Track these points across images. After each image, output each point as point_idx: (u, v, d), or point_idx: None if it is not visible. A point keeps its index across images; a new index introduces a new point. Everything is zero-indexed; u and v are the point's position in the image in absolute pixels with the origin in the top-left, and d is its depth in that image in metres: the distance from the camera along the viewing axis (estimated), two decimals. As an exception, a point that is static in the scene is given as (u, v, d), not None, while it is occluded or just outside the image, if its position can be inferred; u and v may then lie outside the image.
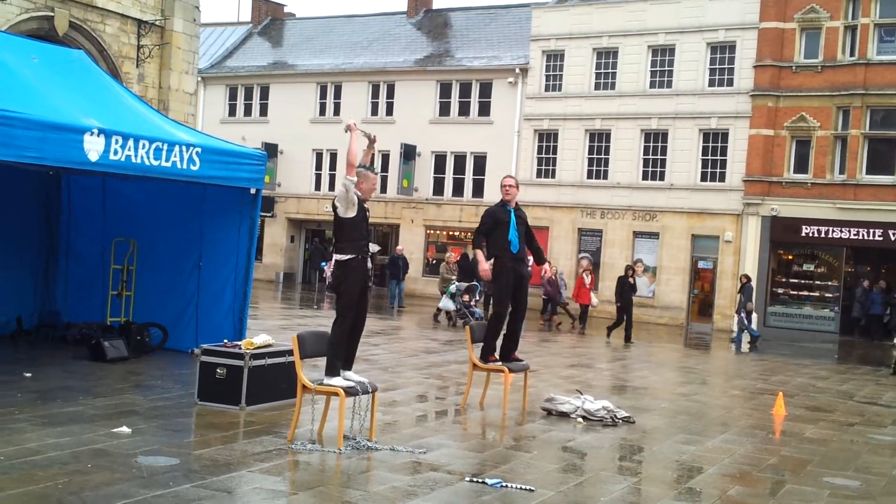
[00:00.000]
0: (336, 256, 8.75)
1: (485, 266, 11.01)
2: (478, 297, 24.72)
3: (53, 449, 7.51)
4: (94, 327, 13.39)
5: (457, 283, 24.51)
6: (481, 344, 11.05)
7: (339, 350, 8.68)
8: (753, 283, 26.39)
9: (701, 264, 32.08)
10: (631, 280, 23.70)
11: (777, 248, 31.17)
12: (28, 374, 10.87)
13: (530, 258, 11.44)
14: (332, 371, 8.61)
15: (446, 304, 24.38)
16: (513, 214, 10.88)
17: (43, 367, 11.52)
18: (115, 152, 10.41)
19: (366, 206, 8.93)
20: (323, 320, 21.21)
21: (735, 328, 25.96)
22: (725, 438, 10.32)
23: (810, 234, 30.05)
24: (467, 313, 23.64)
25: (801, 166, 30.36)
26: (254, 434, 8.68)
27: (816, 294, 30.68)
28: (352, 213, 8.73)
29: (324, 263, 36.13)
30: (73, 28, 20.82)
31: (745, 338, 24.74)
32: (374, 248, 29.00)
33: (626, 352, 20.47)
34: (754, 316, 26.58)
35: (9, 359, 12.06)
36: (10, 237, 13.86)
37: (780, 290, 31.11)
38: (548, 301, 27.50)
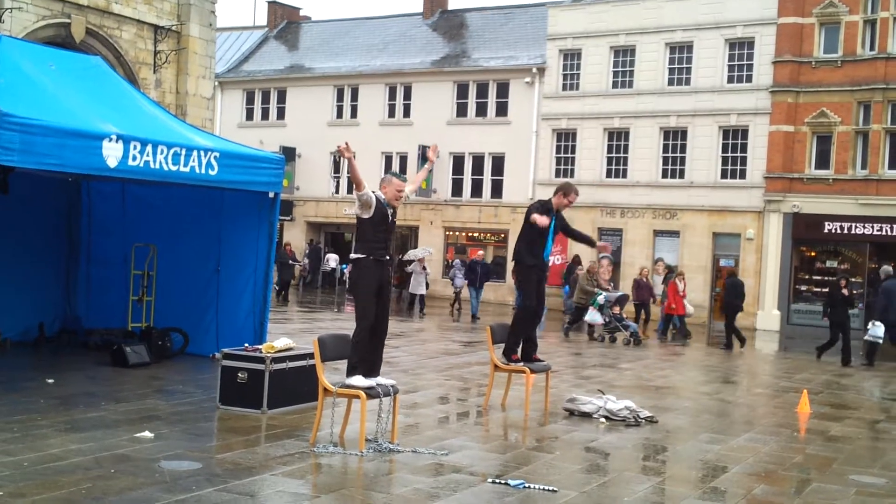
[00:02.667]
0: (351, 255, 8.81)
1: (544, 220, 10.56)
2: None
3: (76, 454, 7.52)
4: (116, 333, 13.44)
5: (605, 294, 22.02)
6: (502, 345, 11.01)
7: (359, 350, 8.64)
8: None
9: (723, 262, 31.88)
10: (845, 292, 20.03)
11: (799, 245, 30.96)
12: (50, 381, 10.91)
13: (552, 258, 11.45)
14: (349, 371, 8.58)
15: (593, 317, 21.88)
16: (553, 220, 10.80)
17: (65, 373, 11.56)
18: (134, 158, 10.44)
19: (391, 210, 8.87)
20: (343, 323, 21.22)
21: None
22: (750, 437, 10.23)
23: (833, 231, 29.83)
24: (620, 326, 21.53)
25: (823, 162, 30.14)
26: (276, 437, 8.67)
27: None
28: (367, 214, 8.70)
29: (344, 266, 36.29)
30: (89, 34, 20.95)
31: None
32: (420, 253, 28.06)
33: (647, 351, 20.36)
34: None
35: (31, 365, 12.13)
36: (31, 244, 13.93)
37: (804, 288, 30.88)
38: (641, 307, 24.63)
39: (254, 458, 7.82)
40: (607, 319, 21.63)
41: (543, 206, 10.87)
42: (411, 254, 28.74)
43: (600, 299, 21.74)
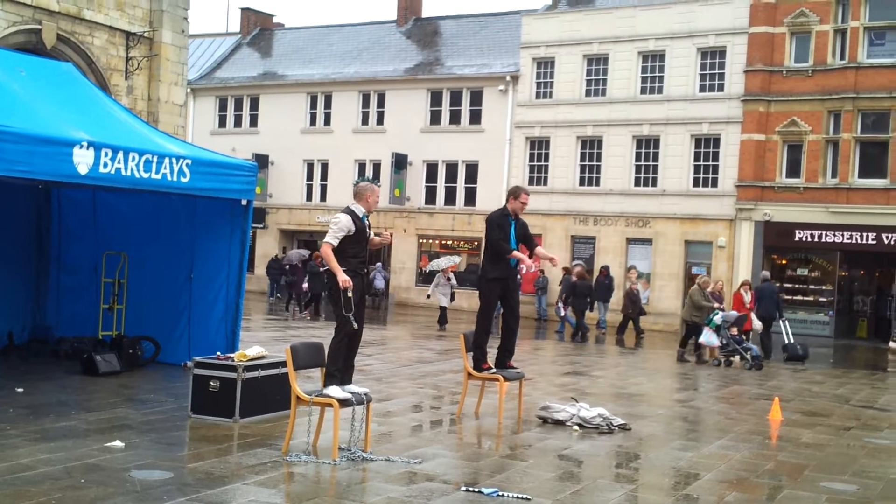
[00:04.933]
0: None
1: (528, 261, 10.92)
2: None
3: (46, 464, 7.44)
4: (86, 341, 13.31)
5: (722, 313, 19.90)
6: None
7: (336, 359, 8.64)
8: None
9: (695, 270, 32.04)
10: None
11: (771, 253, 31.21)
12: (20, 389, 10.79)
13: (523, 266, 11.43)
14: (327, 380, 8.58)
15: (709, 339, 19.74)
16: (513, 226, 10.82)
17: (35, 381, 11.44)
18: (105, 165, 10.36)
19: (367, 220, 8.93)
20: (316, 331, 21.15)
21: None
22: (722, 444, 10.28)
23: (803, 239, 30.10)
24: (740, 350, 19.33)
25: (794, 171, 30.42)
26: (248, 446, 8.62)
27: (811, 298, 30.69)
28: (350, 233, 8.75)
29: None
30: (61, 41, 20.76)
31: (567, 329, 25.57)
32: (444, 263, 26.81)
33: (620, 358, 20.43)
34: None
35: (0, 374, 11.97)
36: (0, 252, 13.77)
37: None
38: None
39: (226, 468, 7.76)
40: (724, 341, 19.53)
41: (502, 214, 10.90)
42: (434, 264, 27.81)
43: (717, 319, 19.60)
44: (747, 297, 21.67)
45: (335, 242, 8.70)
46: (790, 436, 11.15)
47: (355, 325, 8.64)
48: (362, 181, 9.06)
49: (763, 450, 10.18)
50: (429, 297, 28.10)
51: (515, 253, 10.73)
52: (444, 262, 27.37)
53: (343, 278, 8.53)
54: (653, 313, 31.91)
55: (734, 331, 19.55)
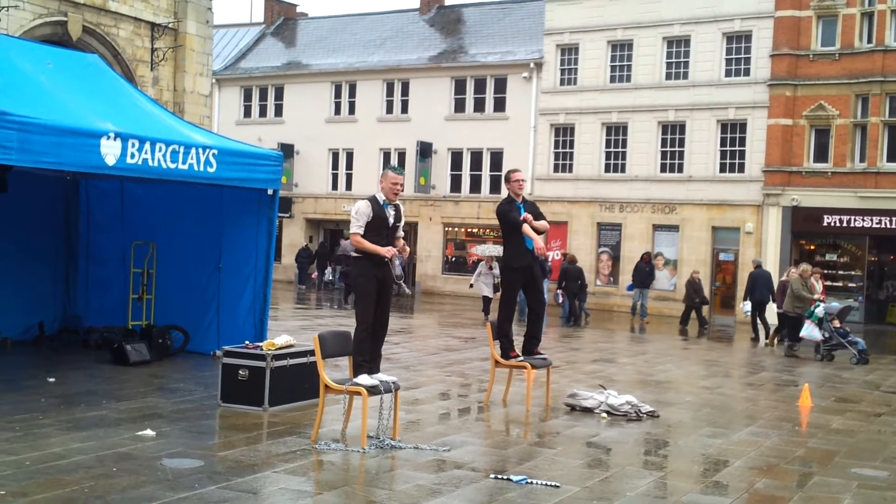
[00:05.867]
0: (352, 254, 8.86)
1: (539, 241, 10.70)
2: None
3: (78, 453, 7.51)
4: (116, 331, 13.41)
5: (824, 304, 19.07)
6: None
7: (362, 349, 8.67)
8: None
9: (722, 256, 31.88)
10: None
11: (799, 239, 30.95)
12: (51, 379, 10.90)
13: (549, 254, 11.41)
14: (356, 370, 8.62)
15: (811, 332, 18.68)
16: (522, 210, 10.79)
17: (66, 371, 11.55)
18: (132, 156, 10.42)
19: (391, 211, 8.90)
20: (343, 320, 21.21)
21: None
22: (751, 431, 10.23)
23: (832, 224, 29.83)
24: (845, 343, 18.33)
25: (821, 155, 30.13)
26: (277, 435, 8.67)
27: (840, 284, 30.42)
28: (368, 220, 8.77)
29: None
30: (86, 32, 20.88)
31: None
32: (495, 249, 25.70)
33: (647, 346, 20.37)
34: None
35: (32, 364, 12.12)
36: (29, 243, 13.91)
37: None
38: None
39: (256, 456, 7.81)
40: (827, 335, 18.55)
41: (508, 201, 10.88)
42: (480, 249, 27.24)
43: (819, 311, 18.67)
44: (819, 285, 20.62)
45: (360, 231, 8.73)
46: (820, 422, 11.08)
47: (407, 291, 8.74)
48: (386, 167, 9.10)
49: (793, 436, 10.13)
50: (471, 286, 27.39)
51: (526, 229, 10.55)
52: (490, 249, 26.66)
53: (383, 250, 8.64)
54: (680, 300, 31.75)
55: (837, 323, 18.58)
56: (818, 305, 18.85)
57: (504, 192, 11.55)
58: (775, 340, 20.86)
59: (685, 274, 31.98)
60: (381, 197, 8.89)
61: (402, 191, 9.14)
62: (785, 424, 10.80)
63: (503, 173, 11.53)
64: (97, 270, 14.63)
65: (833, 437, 10.18)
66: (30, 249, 13.94)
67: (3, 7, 18.95)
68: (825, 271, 30.17)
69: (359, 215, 8.77)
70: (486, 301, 25.59)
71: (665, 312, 29.80)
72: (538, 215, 10.92)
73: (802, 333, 18.95)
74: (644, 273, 27.24)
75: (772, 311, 22.52)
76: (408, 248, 9.33)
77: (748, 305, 23.24)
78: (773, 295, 23.00)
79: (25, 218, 13.62)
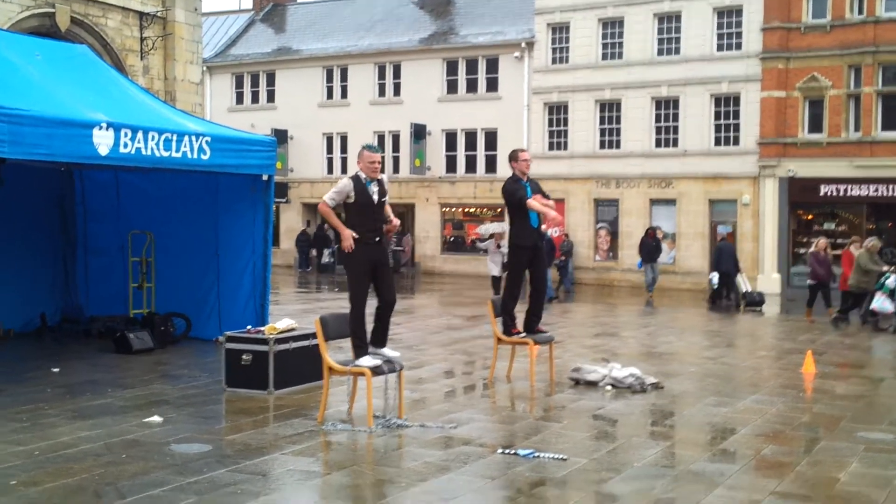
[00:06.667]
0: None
1: (551, 212, 10.68)
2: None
3: (86, 441, 7.52)
4: (118, 320, 13.42)
5: (895, 276, 18.37)
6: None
7: (359, 331, 8.65)
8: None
9: (720, 229, 31.85)
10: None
11: (796, 209, 30.96)
12: (55, 370, 10.90)
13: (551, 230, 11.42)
14: (356, 352, 8.61)
15: (882, 304, 18.20)
16: (528, 188, 10.79)
17: (69, 361, 11.55)
18: (125, 145, 10.38)
19: (375, 189, 8.81)
20: (344, 303, 21.19)
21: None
22: (756, 399, 10.25)
23: (829, 194, 29.84)
24: None
25: (816, 126, 30.10)
26: (284, 417, 8.67)
27: (838, 252, 30.38)
28: (350, 200, 8.70)
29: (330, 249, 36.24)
30: (74, 23, 20.78)
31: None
32: (493, 228, 25.16)
33: (649, 318, 20.40)
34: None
35: (35, 355, 12.11)
36: (28, 235, 13.88)
37: (802, 251, 30.82)
38: (818, 287, 21.41)
39: (263, 439, 7.82)
40: None
41: (513, 180, 10.85)
42: (483, 229, 26.56)
43: (890, 282, 18.15)
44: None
45: (331, 202, 8.68)
46: (824, 388, 11.10)
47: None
48: (363, 146, 9.03)
49: (798, 403, 10.15)
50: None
51: (533, 204, 10.59)
52: (494, 227, 25.66)
53: (346, 234, 8.56)
54: (680, 272, 31.83)
55: None
56: (888, 276, 18.41)
57: (501, 172, 11.54)
58: (835, 313, 20.03)
59: (683, 247, 32.07)
60: (362, 175, 8.81)
61: (381, 167, 9.02)
62: (790, 391, 10.78)
63: (508, 152, 11.38)
64: (96, 261, 14.61)
65: (838, 402, 10.18)
66: (28, 241, 13.92)
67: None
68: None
69: (337, 189, 8.71)
70: (495, 281, 24.04)
71: (665, 286, 29.77)
72: (542, 194, 10.93)
73: (874, 306, 18.51)
74: (651, 247, 27.25)
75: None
76: (396, 222, 9.23)
77: (716, 276, 24.96)
78: (737, 266, 25.26)
79: (22, 210, 13.59)
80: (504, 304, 10.93)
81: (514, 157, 11.01)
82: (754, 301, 23.97)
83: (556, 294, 25.44)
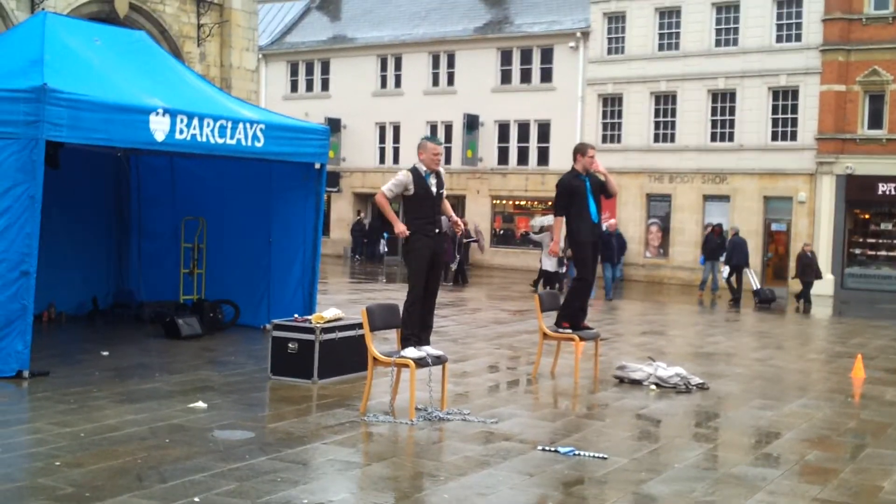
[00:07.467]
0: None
1: (556, 248, 11.47)
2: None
3: (132, 425, 7.64)
4: (168, 306, 13.60)
5: None
6: (552, 312, 10.98)
7: (410, 322, 8.69)
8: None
9: (774, 226, 31.42)
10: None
11: (853, 208, 30.39)
12: (105, 353, 11.09)
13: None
14: (404, 343, 8.64)
15: None
16: (587, 182, 10.72)
17: (119, 345, 11.74)
18: (181, 132, 10.51)
19: (433, 181, 8.84)
20: (392, 293, 21.30)
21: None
22: (803, 403, 10.11)
23: (887, 192, 29.24)
24: None
25: (876, 122, 29.52)
26: (326, 407, 8.74)
27: (895, 254, 29.87)
28: (409, 193, 8.72)
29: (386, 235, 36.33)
30: (133, 10, 21.04)
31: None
32: (547, 221, 23.95)
33: (698, 318, 20.19)
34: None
35: (86, 338, 12.33)
36: (82, 219, 14.11)
37: (858, 251, 30.35)
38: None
39: (305, 428, 7.88)
40: None
41: (573, 175, 10.78)
42: (537, 222, 25.85)
43: None
44: None
45: (388, 193, 8.70)
46: (873, 394, 10.92)
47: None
48: (423, 138, 9.04)
49: (846, 408, 10.00)
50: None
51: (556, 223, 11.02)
52: (548, 220, 24.35)
53: (400, 228, 8.59)
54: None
55: None
56: None
57: (553, 165, 11.54)
58: None
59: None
60: (421, 168, 8.84)
61: (442, 160, 9.08)
62: (837, 396, 10.64)
63: (574, 146, 11.30)
64: (149, 246, 14.82)
65: (887, 408, 10.01)
66: (83, 225, 14.15)
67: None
68: (880, 241, 29.78)
69: (396, 181, 8.72)
70: (546, 276, 23.50)
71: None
72: (603, 186, 10.94)
73: None
74: (715, 245, 26.58)
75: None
76: (462, 225, 9.25)
77: (727, 270, 25.14)
78: (747, 261, 25.39)
79: (78, 194, 13.82)
80: (577, 299, 10.91)
81: (582, 151, 10.86)
82: (766, 298, 23.94)
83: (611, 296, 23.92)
